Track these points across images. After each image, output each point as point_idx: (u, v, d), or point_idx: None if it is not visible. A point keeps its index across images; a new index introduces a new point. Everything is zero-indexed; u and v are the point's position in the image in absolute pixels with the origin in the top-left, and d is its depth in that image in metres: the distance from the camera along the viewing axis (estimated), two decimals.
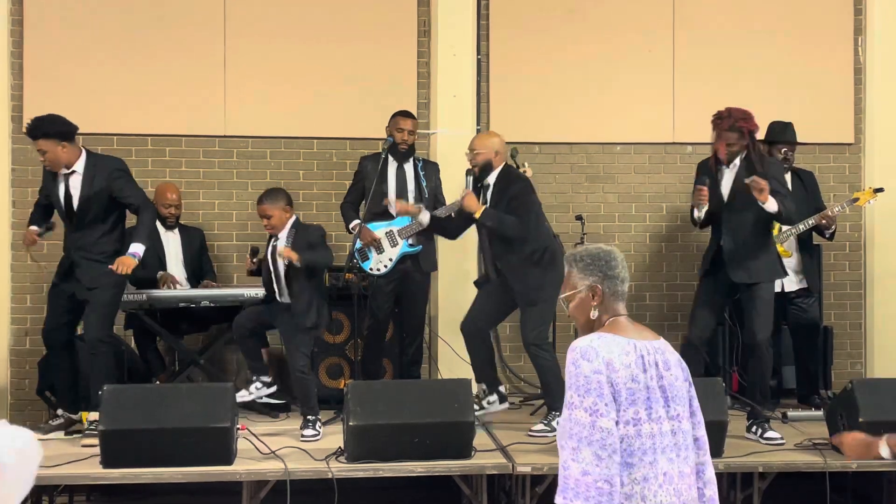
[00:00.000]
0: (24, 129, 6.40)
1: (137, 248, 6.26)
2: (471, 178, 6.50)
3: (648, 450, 3.22)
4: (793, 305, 7.26)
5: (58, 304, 6.47)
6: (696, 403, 3.39)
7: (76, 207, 6.39)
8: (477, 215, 6.35)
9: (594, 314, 3.37)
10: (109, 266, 6.17)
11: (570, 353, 3.25)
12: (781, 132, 7.30)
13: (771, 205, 6.00)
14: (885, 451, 3.56)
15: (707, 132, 6.22)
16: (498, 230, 6.36)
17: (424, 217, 6.68)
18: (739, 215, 6.17)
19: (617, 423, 3.20)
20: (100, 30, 7.82)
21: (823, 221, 7.05)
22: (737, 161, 6.21)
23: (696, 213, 6.28)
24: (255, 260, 6.50)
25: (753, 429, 6.15)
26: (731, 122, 6.15)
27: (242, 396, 6.28)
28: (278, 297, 6.48)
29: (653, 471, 3.21)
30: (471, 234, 7.25)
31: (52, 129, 6.24)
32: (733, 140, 6.15)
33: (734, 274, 6.15)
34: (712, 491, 3.39)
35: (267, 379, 6.45)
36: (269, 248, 6.45)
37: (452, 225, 6.79)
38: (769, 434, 6.10)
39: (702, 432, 3.39)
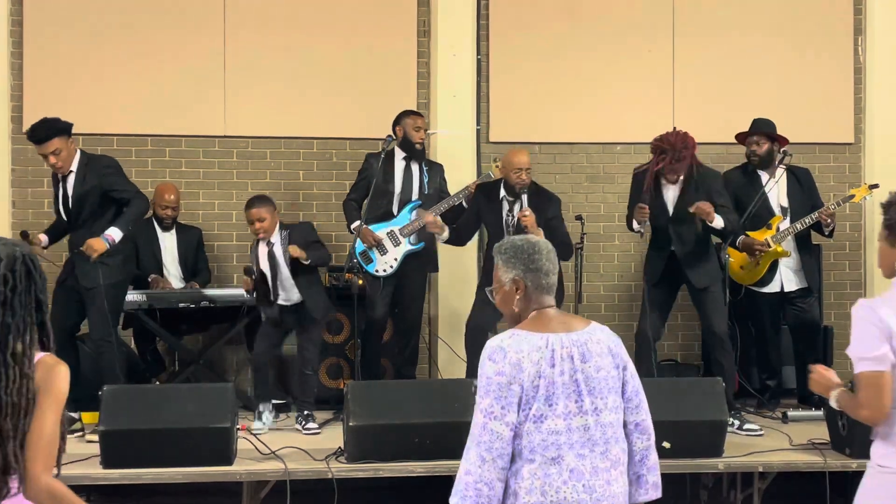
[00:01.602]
0: (32, 136, 6.39)
1: (113, 233, 6.24)
2: (525, 197, 6.68)
3: (550, 445, 3.20)
4: (792, 305, 7.26)
5: (62, 303, 6.46)
6: (632, 388, 3.36)
7: (71, 206, 6.41)
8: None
9: (517, 307, 3.37)
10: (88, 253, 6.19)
11: (483, 352, 3.27)
12: (754, 126, 7.31)
13: (718, 222, 6.49)
14: (833, 401, 3.60)
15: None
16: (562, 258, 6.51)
17: (445, 234, 6.84)
18: (686, 226, 6.62)
19: (520, 422, 3.20)
20: (100, 30, 7.82)
21: (823, 218, 7.04)
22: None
23: (636, 227, 6.68)
24: (253, 277, 6.52)
25: (730, 421, 6.15)
26: (675, 155, 6.47)
27: (260, 430, 6.23)
28: (281, 299, 6.50)
29: (555, 467, 3.19)
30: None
31: (59, 125, 6.31)
32: (680, 170, 6.54)
33: (696, 279, 6.64)
34: (656, 477, 3.38)
35: (272, 402, 6.58)
36: (261, 253, 6.51)
37: (465, 233, 6.99)
38: (748, 426, 6.29)
39: (641, 417, 3.36)
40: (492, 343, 3.28)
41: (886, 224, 3.55)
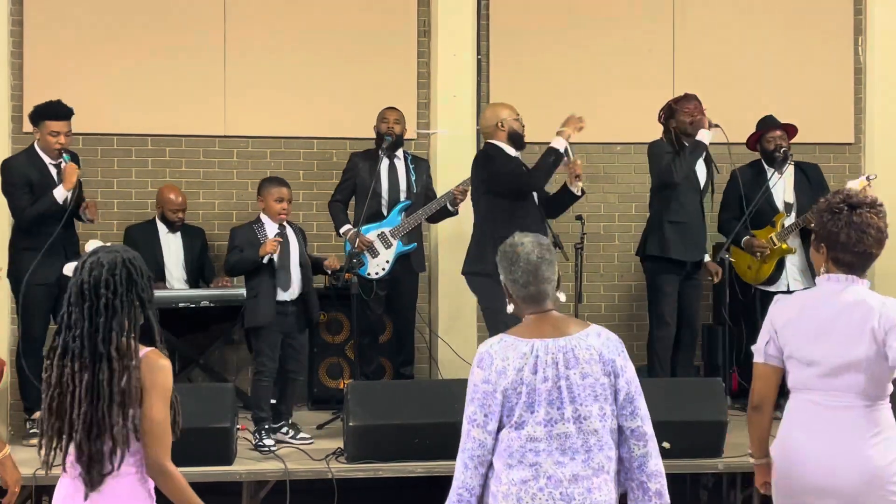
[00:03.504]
0: (61, 109, 6.42)
1: None
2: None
3: (529, 452, 3.22)
4: None
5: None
6: (625, 396, 3.30)
7: (70, 203, 6.41)
8: None
9: (509, 309, 3.41)
10: None
11: (475, 356, 3.31)
12: (762, 123, 7.31)
13: None
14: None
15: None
16: None
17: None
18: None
19: (501, 427, 3.23)
20: (100, 30, 7.81)
21: None
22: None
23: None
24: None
25: None
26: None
27: (269, 449, 5.94)
28: (285, 295, 6.23)
29: (532, 473, 3.21)
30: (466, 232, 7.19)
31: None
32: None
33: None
34: (658, 484, 3.31)
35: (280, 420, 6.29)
36: (280, 238, 6.20)
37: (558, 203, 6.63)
38: None
39: (636, 423, 3.31)
40: (481, 349, 3.31)
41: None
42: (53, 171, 6.42)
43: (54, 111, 6.43)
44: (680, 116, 6.91)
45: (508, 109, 6.46)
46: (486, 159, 6.32)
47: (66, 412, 3.18)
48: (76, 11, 7.80)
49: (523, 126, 6.44)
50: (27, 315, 6.30)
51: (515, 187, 6.19)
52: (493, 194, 6.20)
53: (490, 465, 3.27)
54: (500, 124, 6.37)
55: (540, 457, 3.21)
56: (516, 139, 6.36)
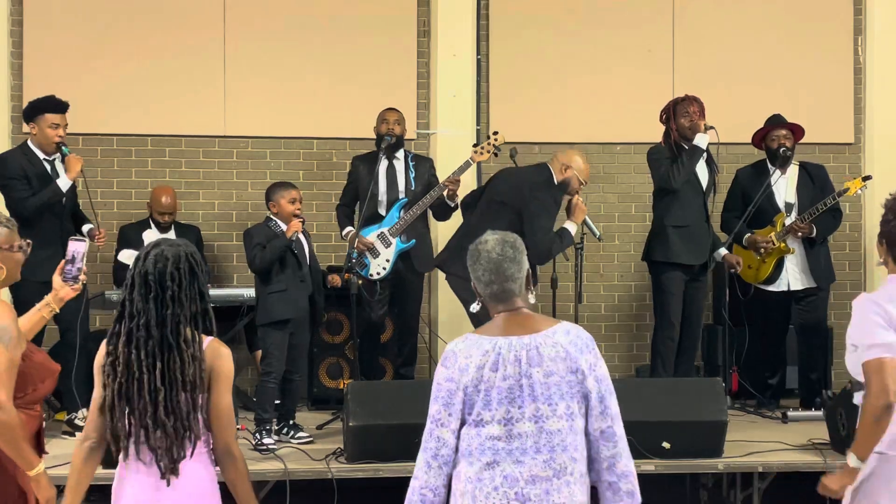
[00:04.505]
0: (61, 103, 6.47)
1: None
2: None
3: (487, 450, 3.19)
4: (798, 305, 7.22)
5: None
6: (596, 395, 3.23)
7: (66, 196, 6.48)
8: None
9: (475, 308, 3.41)
10: None
11: (442, 354, 3.31)
12: (768, 121, 7.30)
13: None
14: (853, 461, 3.54)
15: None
16: None
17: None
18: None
19: (462, 425, 3.23)
20: (99, 30, 7.82)
21: (802, 230, 7.04)
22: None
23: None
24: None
25: None
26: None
27: (269, 448, 5.93)
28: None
29: (489, 472, 3.18)
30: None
31: None
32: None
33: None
34: (630, 485, 3.25)
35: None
36: (295, 238, 6.21)
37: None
38: None
39: (606, 424, 3.23)
40: (449, 347, 3.32)
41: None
42: (48, 167, 6.44)
43: (53, 104, 6.48)
44: (679, 119, 6.91)
45: (582, 161, 6.51)
46: (548, 187, 6.39)
47: (135, 399, 3.28)
48: (76, 11, 7.81)
49: (580, 186, 6.50)
50: (22, 310, 6.25)
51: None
52: (518, 219, 6.20)
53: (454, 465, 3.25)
54: (565, 168, 6.43)
55: (498, 455, 3.18)
56: (562, 189, 6.45)
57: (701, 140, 6.79)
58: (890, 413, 3.43)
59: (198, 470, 3.34)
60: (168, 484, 3.28)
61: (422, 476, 3.24)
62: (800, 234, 6.99)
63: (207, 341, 3.38)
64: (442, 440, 3.23)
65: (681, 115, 6.90)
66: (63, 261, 4.01)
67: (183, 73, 7.87)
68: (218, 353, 3.38)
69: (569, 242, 6.41)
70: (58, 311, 3.99)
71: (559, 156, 6.52)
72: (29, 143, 6.55)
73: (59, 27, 7.79)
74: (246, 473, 3.42)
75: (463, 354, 3.25)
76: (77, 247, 4.01)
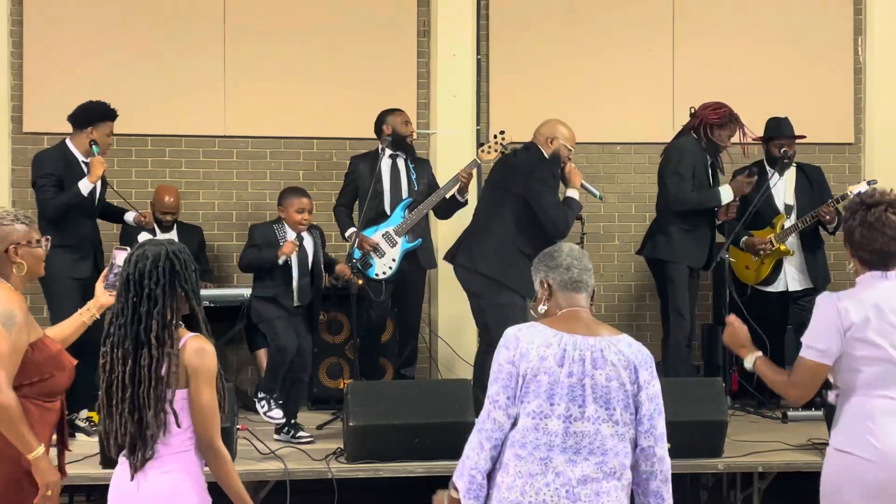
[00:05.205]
0: (111, 115, 6.57)
1: None
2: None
3: (542, 445, 3.19)
4: (796, 305, 7.23)
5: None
6: (645, 412, 3.26)
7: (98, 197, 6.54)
8: None
9: (541, 309, 3.40)
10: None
11: (501, 338, 3.31)
12: (776, 128, 7.29)
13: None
14: (749, 363, 3.91)
15: None
16: None
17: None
18: None
19: (518, 415, 3.22)
20: (100, 30, 7.82)
21: (822, 215, 7.03)
22: None
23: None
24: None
25: None
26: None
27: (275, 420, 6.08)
28: (298, 301, 6.26)
29: (541, 467, 3.18)
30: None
31: None
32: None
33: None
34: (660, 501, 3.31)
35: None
36: (297, 243, 6.22)
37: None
38: None
39: (649, 443, 3.27)
40: (509, 331, 3.29)
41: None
42: (86, 169, 6.45)
43: (113, 112, 6.55)
44: (724, 130, 6.88)
45: (564, 128, 6.44)
46: (542, 163, 6.30)
47: (112, 396, 3.33)
48: (76, 11, 7.81)
49: (570, 153, 6.43)
50: (56, 308, 6.24)
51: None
52: (522, 204, 6.18)
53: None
54: (550, 140, 6.35)
55: (553, 452, 3.18)
56: (555, 161, 6.37)
57: (726, 195, 6.79)
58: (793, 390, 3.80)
59: (175, 467, 3.34)
60: (131, 479, 3.31)
61: (473, 456, 3.24)
62: (827, 217, 7.00)
63: (187, 338, 3.39)
64: (498, 423, 3.22)
65: (729, 130, 6.86)
66: (106, 269, 4.02)
67: (183, 73, 7.87)
68: (197, 349, 3.37)
69: (577, 208, 6.40)
70: (98, 317, 4.03)
71: (541, 129, 6.43)
72: (68, 142, 6.52)
73: (59, 27, 7.78)
74: (231, 469, 3.44)
75: (525, 339, 3.24)
76: (120, 255, 4.02)
